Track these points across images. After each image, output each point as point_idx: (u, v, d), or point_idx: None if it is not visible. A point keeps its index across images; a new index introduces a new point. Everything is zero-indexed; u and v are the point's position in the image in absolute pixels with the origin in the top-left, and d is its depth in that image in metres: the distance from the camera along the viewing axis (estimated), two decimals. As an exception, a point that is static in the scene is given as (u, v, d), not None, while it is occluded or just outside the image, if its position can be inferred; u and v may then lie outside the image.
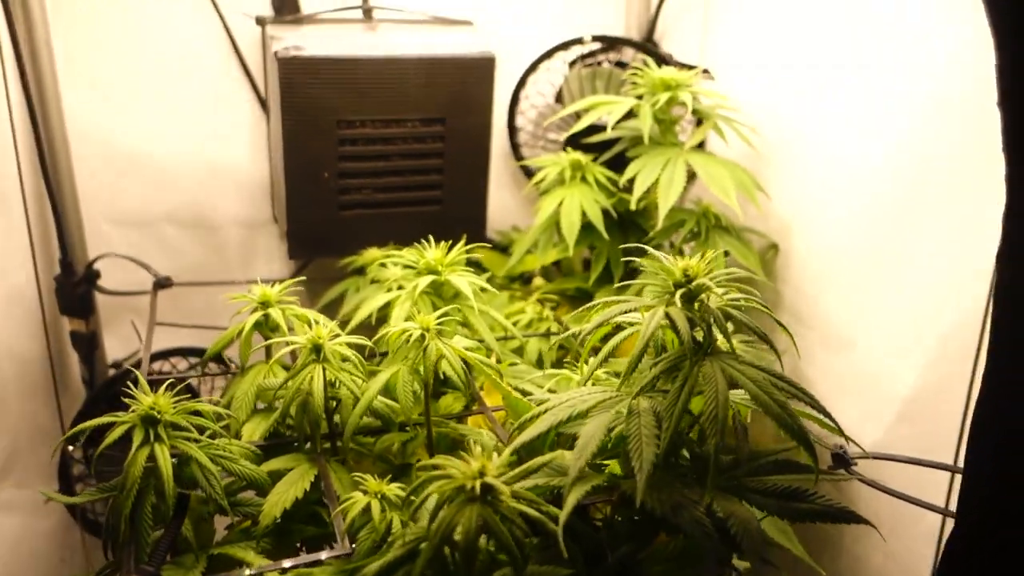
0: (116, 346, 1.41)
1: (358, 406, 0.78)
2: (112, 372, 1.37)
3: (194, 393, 1.32)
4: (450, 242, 0.99)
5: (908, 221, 0.99)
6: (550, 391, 0.86)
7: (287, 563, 0.66)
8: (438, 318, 0.81)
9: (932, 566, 0.99)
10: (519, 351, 1.10)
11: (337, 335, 0.82)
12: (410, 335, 0.81)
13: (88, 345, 1.29)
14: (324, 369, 0.79)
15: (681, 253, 1.18)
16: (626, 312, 0.70)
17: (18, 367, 1.29)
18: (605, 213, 1.17)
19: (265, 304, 0.91)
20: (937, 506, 0.82)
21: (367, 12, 1.29)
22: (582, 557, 0.68)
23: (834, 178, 1.10)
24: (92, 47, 1.24)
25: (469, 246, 1.00)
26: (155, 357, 1.35)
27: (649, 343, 0.67)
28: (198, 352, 1.34)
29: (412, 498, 0.61)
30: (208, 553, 0.73)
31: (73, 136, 1.26)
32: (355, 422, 0.78)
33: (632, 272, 1.21)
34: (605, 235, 1.14)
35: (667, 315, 0.66)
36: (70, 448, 1.24)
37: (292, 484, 0.76)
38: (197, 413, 0.76)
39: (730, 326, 0.85)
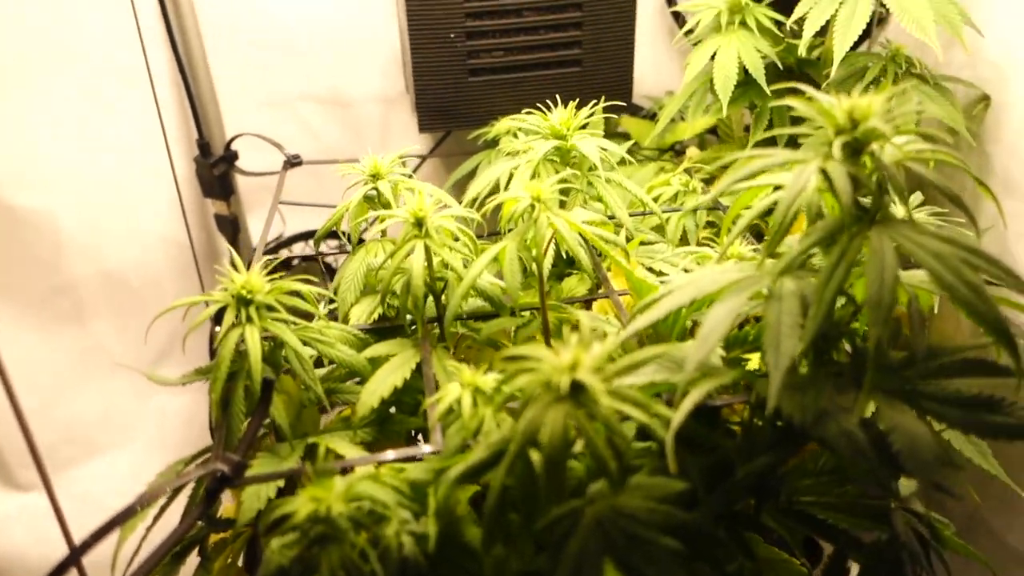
0: (259, 229, 1.41)
1: (461, 286, 0.69)
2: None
3: (332, 273, 1.30)
4: (577, 104, 0.86)
5: None
6: (685, 271, 0.73)
7: (377, 457, 0.60)
8: (553, 185, 0.70)
9: None
10: (661, 229, 0.97)
11: (444, 207, 0.74)
12: (521, 206, 0.70)
13: (232, 227, 1.29)
14: (426, 245, 0.71)
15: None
16: (769, 169, 0.56)
17: (172, 250, 1.32)
18: (770, 64, 0.99)
19: (375, 177, 0.84)
20: None
21: None
22: (704, 470, 0.57)
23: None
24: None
25: (604, 104, 0.88)
26: (295, 239, 1.34)
27: (797, 209, 0.53)
28: (336, 234, 1.31)
29: (498, 392, 0.52)
30: (305, 442, 0.69)
31: (204, 15, 1.22)
32: (457, 304, 0.70)
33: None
34: (767, 91, 0.96)
35: (823, 171, 0.51)
36: (217, 328, 1.26)
37: (392, 371, 0.70)
38: (296, 294, 0.71)
39: (915, 192, 0.69)
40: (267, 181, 1.36)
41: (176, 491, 0.64)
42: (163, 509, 0.67)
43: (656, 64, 1.34)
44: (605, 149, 0.83)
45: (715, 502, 0.57)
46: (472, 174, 1.16)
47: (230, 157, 1.26)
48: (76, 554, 0.53)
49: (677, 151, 1.23)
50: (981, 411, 0.54)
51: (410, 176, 0.85)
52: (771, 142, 1.03)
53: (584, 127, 0.87)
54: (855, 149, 0.52)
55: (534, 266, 0.74)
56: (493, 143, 1.16)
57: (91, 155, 1.18)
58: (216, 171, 1.22)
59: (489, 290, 0.74)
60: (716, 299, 0.55)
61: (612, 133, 1.29)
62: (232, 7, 1.24)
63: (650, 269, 0.85)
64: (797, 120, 1.05)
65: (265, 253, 1.30)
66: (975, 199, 1.04)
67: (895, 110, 0.52)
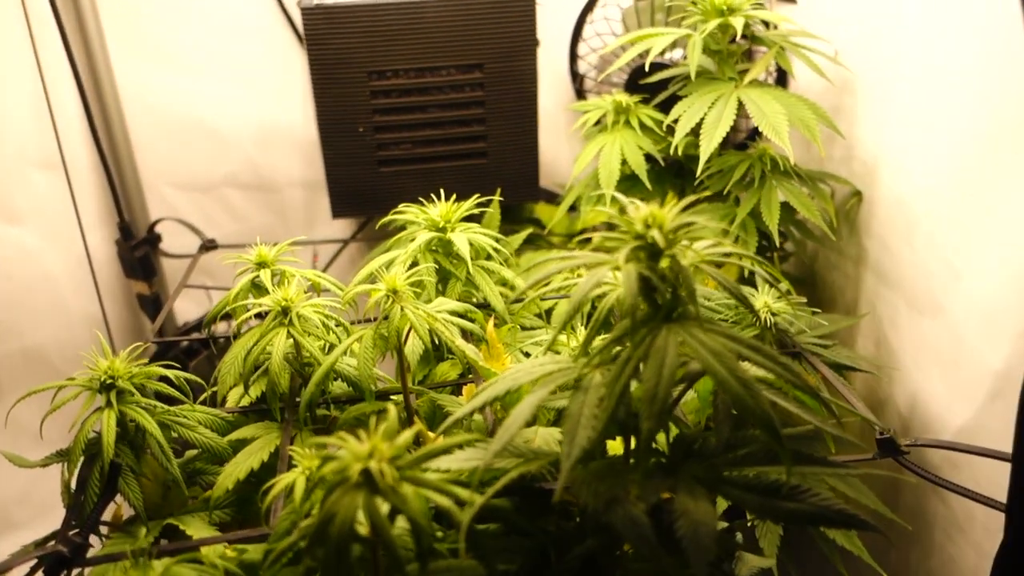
0: (190, 308, 1.44)
1: (319, 371, 0.73)
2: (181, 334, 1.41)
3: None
4: (479, 198, 0.91)
5: (1012, 166, 0.81)
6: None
7: (223, 538, 0.62)
8: (411, 277, 0.74)
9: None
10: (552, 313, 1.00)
11: (311, 296, 0.77)
12: (380, 298, 0.74)
13: (153, 307, 1.32)
14: (289, 332, 0.74)
15: (737, 202, 1.05)
16: (571, 270, 0.60)
17: (92, 327, 1.35)
18: (653, 161, 1.05)
19: (261, 264, 0.88)
20: (1000, 502, 0.66)
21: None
22: (529, 553, 0.60)
23: (930, 116, 0.92)
24: (137, 11, 1.25)
25: (465, 205, 0.92)
26: (191, 329, 1.37)
27: (579, 308, 0.57)
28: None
29: (312, 476, 0.55)
30: (161, 523, 0.70)
31: (128, 102, 1.28)
32: (312, 388, 0.73)
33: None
34: (648, 184, 1.02)
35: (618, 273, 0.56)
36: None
37: (252, 454, 0.72)
38: (166, 380, 0.74)
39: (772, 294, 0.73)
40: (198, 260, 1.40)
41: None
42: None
43: (572, 154, 1.41)
44: (486, 242, 0.88)
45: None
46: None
47: (152, 240, 1.30)
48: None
49: (587, 237, 1.27)
50: (776, 498, 0.57)
51: (324, 265, 0.89)
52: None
53: (472, 218, 0.92)
54: (652, 252, 0.57)
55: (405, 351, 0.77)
56: (403, 228, 1.20)
57: (14, 234, 1.22)
58: (137, 253, 1.26)
59: (352, 375, 0.77)
60: (526, 391, 0.58)
61: (524, 219, 1.34)
62: (156, 94, 1.30)
63: (527, 353, 0.89)
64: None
65: (183, 334, 1.33)
66: (856, 287, 1.09)
67: (689, 219, 0.57)
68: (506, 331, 0.89)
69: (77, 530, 0.64)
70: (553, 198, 1.38)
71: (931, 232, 0.93)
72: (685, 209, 0.56)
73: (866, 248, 1.05)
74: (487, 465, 0.54)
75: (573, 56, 1.30)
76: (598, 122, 1.12)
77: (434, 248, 0.91)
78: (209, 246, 1.20)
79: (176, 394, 0.73)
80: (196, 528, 0.69)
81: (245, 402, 0.83)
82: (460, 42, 1.13)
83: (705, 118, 0.96)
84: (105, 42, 1.22)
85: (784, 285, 0.91)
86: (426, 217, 0.90)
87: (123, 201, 1.25)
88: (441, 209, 0.91)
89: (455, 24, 1.11)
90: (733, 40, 1.02)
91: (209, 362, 1.29)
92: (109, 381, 0.70)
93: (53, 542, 0.63)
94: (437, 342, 0.88)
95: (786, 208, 0.98)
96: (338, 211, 1.23)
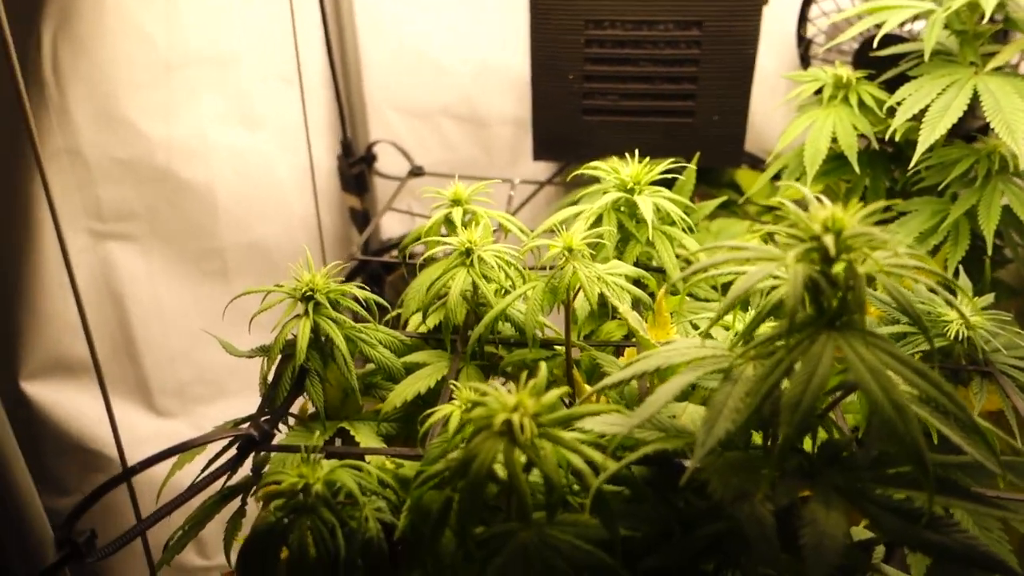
0: (394, 225, 1.55)
1: (490, 313, 0.77)
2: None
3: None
4: (678, 161, 0.91)
5: None
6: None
7: (386, 450, 0.69)
8: (587, 236, 0.77)
9: None
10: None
11: (499, 239, 0.82)
12: (555, 254, 0.77)
13: (363, 221, 1.44)
14: (468, 272, 0.79)
15: (954, 199, 0.97)
16: (740, 261, 0.60)
17: (311, 231, 1.49)
18: (869, 144, 0.98)
19: (456, 202, 0.93)
20: None
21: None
22: (659, 523, 0.62)
23: None
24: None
25: (661, 166, 0.92)
26: (392, 247, 1.46)
27: (740, 300, 0.57)
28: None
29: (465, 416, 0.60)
30: (336, 424, 0.79)
31: (363, 27, 1.37)
32: (481, 328, 0.78)
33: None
34: (856, 167, 0.96)
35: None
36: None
37: (420, 379, 0.79)
38: (357, 300, 0.82)
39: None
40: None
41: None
42: (218, 455, 0.80)
43: (786, 118, 1.35)
44: (670, 207, 0.88)
45: (665, 556, 0.62)
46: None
47: (369, 159, 1.40)
48: (128, 474, 0.66)
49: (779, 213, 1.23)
50: (920, 526, 0.55)
51: (511, 211, 0.93)
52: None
53: (665, 181, 0.92)
54: (826, 256, 0.55)
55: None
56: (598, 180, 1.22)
57: (251, 142, 1.36)
58: (354, 170, 1.37)
59: (520, 321, 0.82)
60: (677, 371, 0.60)
61: (724, 183, 1.31)
62: (388, 22, 1.38)
63: (694, 325, 0.89)
64: (892, 193, 1.04)
65: (377, 253, 1.44)
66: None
67: (869, 229, 0.55)
68: (676, 301, 0.89)
69: (267, 418, 0.73)
70: (757, 164, 1.34)
71: None
72: (885, 211, 0.54)
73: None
74: (626, 434, 0.56)
75: (802, 18, 1.24)
76: (817, 92, 1.06)
77: (619, 208, 0.92)
78: (416, 172, 1.28)
79: (364, 313, 0.81)
80: (365, 436, 0.77)
81: (423, 329, 0.89)
82: (681, -2, 1.11)
83: (932, 104, 0.89)
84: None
85: (988, 296, 0.85)
86: (616, 176, 0.91)
87: (348, 120, 1.35)
88: (632, 169, 0.91)
89: (679, -23, 1.09)
90: (982, 19, 0.92)
91: (404, 280, 1.39)
92: (309, 293, 0.78)
93: (247, 425, 0.73)
94: (605, 302, 0.91)
95: (1007, 212, 0.90)
96: (539, 154, 1.27)
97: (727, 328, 0.88)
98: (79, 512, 0.64)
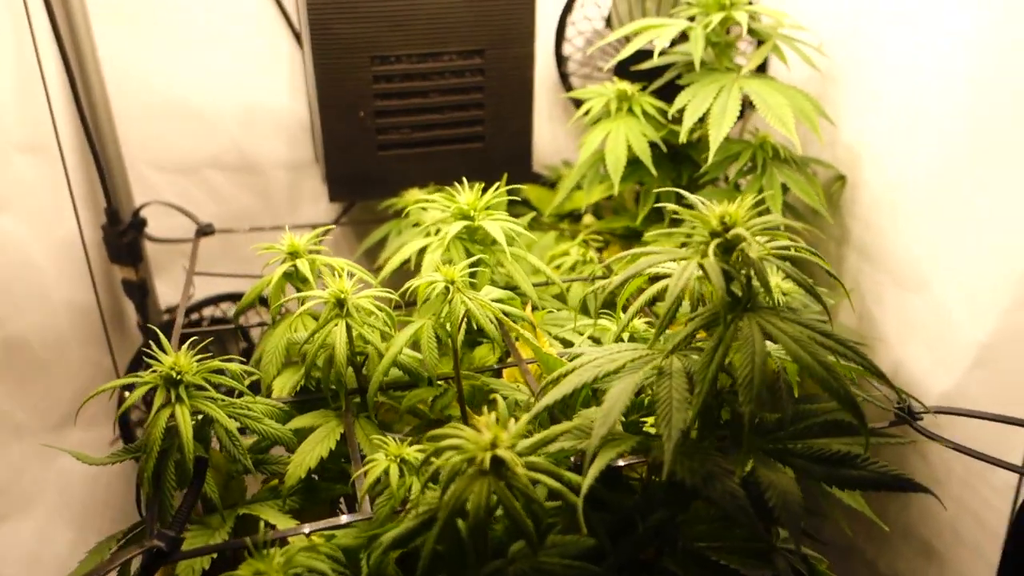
0: (169, 292, 1.42)
1: (382, 362, 0.75)
2: (166, 317, 1.39)
3: (248, 340, 1.32)
4: (483, 184, 0.93)
5: (989, 152, 0.89)
6: (592, 339, 0.81)
7: (308, 527, 0.64)
8: (464, 268, 0.77)
9: (1008, 520, 0.93)
10: (563, 297, 1.05)
11: (364, 287, 0.79)
12: (435, 288, 0.77)
13: (140, 292, 1.30)
14: (348, 324, 0.76)
15: (737, 188, 1.11)
16: (657, 264, 0.65)
17: (76, 316, 1.32)
18: (654, 147, 1.09)
19: (294, 255, 0.89)
20: (1014, 465, 0.75)
21: (400, -61, 1.22)
22: (610, 525, 0.64)
23: (910, 104, 1.00)
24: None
25: (509, 187, 0.95)
26: (205, 303, 1.36)
27: (680, 298, 0.62)
28: (237, 297, 1.34)
29: (425, 466, 0.58)
30: (235, 513, 0.72)
31: (110, 81, 1.24)
32: (378, 378, 0.75)
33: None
34: (653, 171, 1.07)
35: (701, 267, 0.60)
36: (126, 394, 1.26)
37: (318, 443, 0.74)
38: (222, 372, 0.75)
39: (780, 276, 0.79)
40: (175, 246, 1.38)
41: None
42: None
43: (554, 136, 1.44)
44: (512, 228, 0.91)
45: (621, 553, 0.64)
46: (381, 242, 1.22)
47: (138, 224, 1.27)
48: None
49: (575, 217, 1.32)
50: (841, 466, 0.63)
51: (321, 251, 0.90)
52: (658, 214, 1.14)
53: (489, 206, 0.95)
54: (727, 248, 0.62)
55: (447, 339, 0.80)
56: (400, 213, 1.22)
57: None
58: (125, 238, 1.23)
59: (408, 363, 0.80)
60: (614, 376, 0.63)
61: (514, 201, 1.37)
62: (139, 74, 1.26)
63: (557, 338, 0.93)
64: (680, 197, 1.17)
65: (168, 322, 1.32)
66: (838, 265, 1.17)
67: (752, 209, 0.62)
68: (542, 316, 0.93)
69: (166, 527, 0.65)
70: (536, 179, 1.42)
71: (914, 214, 1.01)
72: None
73: (849, 228, 1.13)
74: (595, 450, 0.58)
75: (559, 39, 1.33)
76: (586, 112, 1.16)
77: (461, 236, 0.94)
78: (206, 231, 1.18)
79: (241, 387, 0.75)
80: (273, 516, 0.71)
81: (285, 392, 0.84)
82: (463, 28, 1.14)
83: (711, 108, 1.01)
84: (88, 17, 1.18)
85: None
86: (455, 205, 0.92)
87: (110, 185, 1.22)
88: (468, 197, 0.93)
89: (459, 10, 1.13)
90: (728, 31, 1.07)
91: (220, 347, 1.29)
92: (178, 377, 0.70)
93: (132, 538, 0.64)
94: (475, 326, 0.92)
95: (785, 192, 1.05)
96: (336, 194, 1.24)
97: (580, 333, 0.93)
98: None
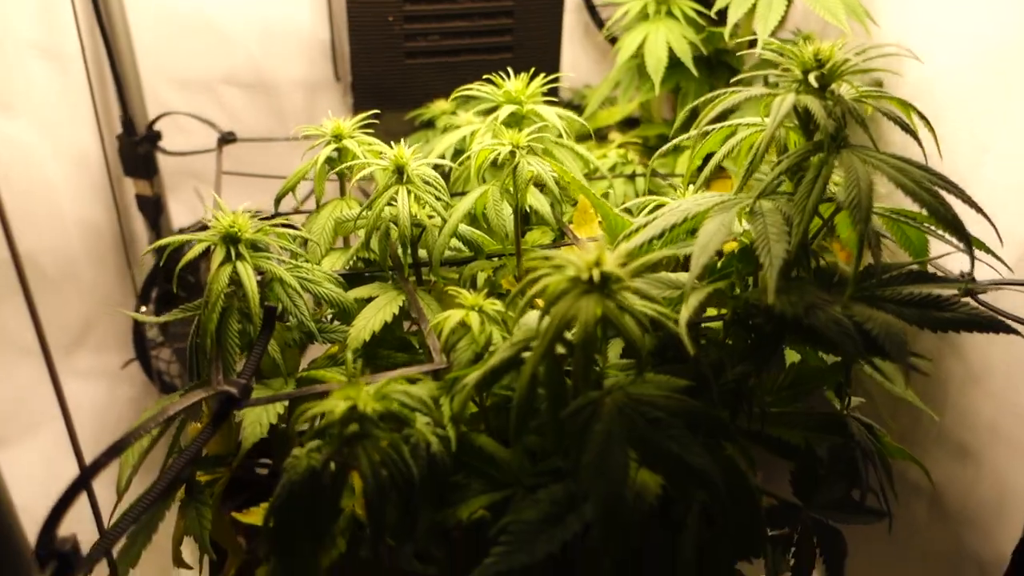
0: (180, 212, 1.38)
1: (446, 228, 0.73)
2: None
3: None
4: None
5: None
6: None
7: (379, 376, 0.62)
8: (529, 134, 0.75)
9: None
10: (607, 196, 1.03)
11: (419, 158, 0.77)
12: (498, 154, 0.74)
13: (154, 208, 1.26)
14: (408, 191, 0.74)
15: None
16: (743, 105, 0.63)
17: (86, 233, 1.27)
18: (693, 50, 1.08)
19: (338, 137, 0.85)
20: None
21: None
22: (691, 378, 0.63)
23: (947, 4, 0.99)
24: None
25: (548, 78, 0.93)
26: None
27: (774, 136, 0.60)
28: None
29: (518, 296, 0.55)
30: (295, 377, 0.69)
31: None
32: (444, 244, 0.73)
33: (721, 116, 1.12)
34: (695, 71, 1.05)
35: (796, 104, 0.59)
36: (142, 309, 1.22)
37: (380, 308, 0.72)
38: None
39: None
40: (185, 163, 1.33)
41: (167, 423, 0.63)
42: (152, 443, 0.66)
43: (573, 58, 1.42)
44: (561, 113, 0.89)
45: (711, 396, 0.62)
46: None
47: (153, 137, 1.23)
48: (85, 476, 0.52)
49: (600, 136, 1.30)
50: (932, 309, 0.62)
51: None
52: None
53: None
54: (822, 85, 0.60)
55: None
56: (428, 124, 1.19)
57: (4, 132, 1.13)
58: (140, 149, 1.19)
59: (467, 234, 0.78)
60: (704, 218, 0.61)
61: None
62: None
63: (627, 210, 0.91)
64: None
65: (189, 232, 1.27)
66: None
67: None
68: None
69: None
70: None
71: (956, 109, 1.00)
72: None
73: (887, 126, 1.13)
74: (692, 283, 0.56)
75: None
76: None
77: (509, 124, 0.91)
78: (228, 139, 1.14)
79: (297, 249, 0.72)
80: (336, 380, 0.68)
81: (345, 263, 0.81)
82: (496, -71, 1.12)
83: (758, 3, 0.99)
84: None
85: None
86: (504, 92, 0.90)
87: (126, 93, 1.18)
88: (516, 85, 0.91)
89: (492, -92, 1.10)
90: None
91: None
92: (236, 234, 0.67)
93: (209, 386, 0.61)
94: (527, 210, 0.89)
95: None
96: (361, 105, 1.20)
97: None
98: (55, 520, 0.49)
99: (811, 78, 0.59)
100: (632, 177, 1.04)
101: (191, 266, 1.23)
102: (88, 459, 0.66)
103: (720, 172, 1.09)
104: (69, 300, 1.27)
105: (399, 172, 0.75)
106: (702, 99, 0.68)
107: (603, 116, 1.28)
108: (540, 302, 0.54)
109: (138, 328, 1.24)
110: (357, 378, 0.54)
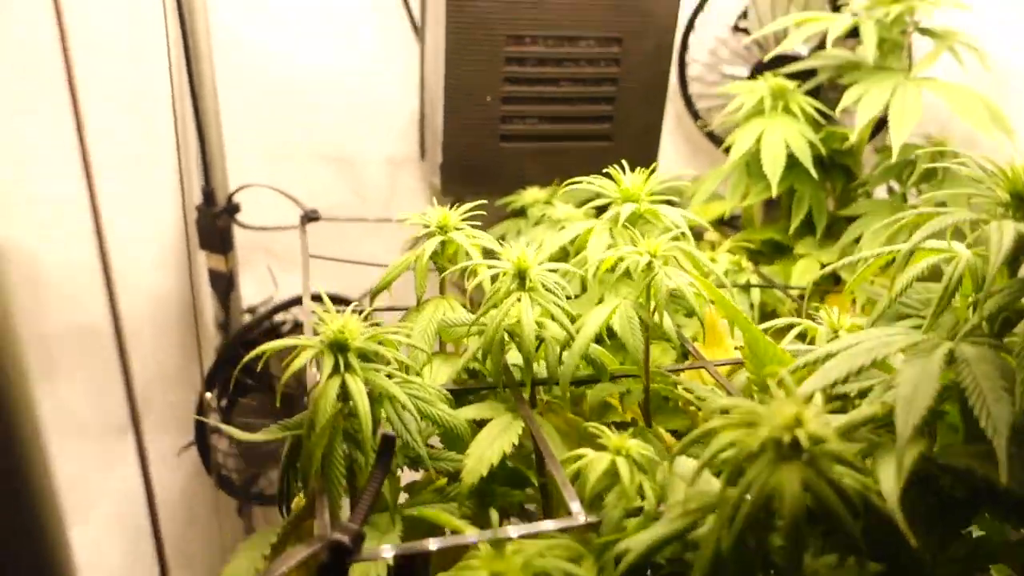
0: (250, 290, 1.32)
1: (576, 347, 0.65)
2: (247, 317, 1.28)
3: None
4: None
5: None
6: (798, 340, 0.71)
7: (512, 530, 0.53)
8: (666, 243, 0.68)
9: None
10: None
11: (542, 262, 0.69)
12: (633, 264, 0.67)
13: (226, 284, 1.20)
14: (532, 299, 0.66)
15: (905, 200, 1.02)
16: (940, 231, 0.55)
17: (154, 305, 1.22)
18: (812, 150, 1.01)
19: (443, 228, 0.79)
20: None
21: (537, -79, 1.15)
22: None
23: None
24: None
25: (666, 176, 0.86)
26: (291, 303, 1.25)
27: (962, 276, 0.52)
28: (337, 300, 1.23)
29: (695, 452, 0.47)
30: (401, 514, 0.61)
31: (219, 59, 1.16)
32: (573, 366, 0.65)
33: (835, 223, 1.05)
34: (814, 173, 0.98)
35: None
36: (207, 396, 1.15)
37: (496, 436, 0.63)
38: (382, 344, 0.64)
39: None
40: (259, 238, 1.28)
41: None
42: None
43: (664, 148, 1.36)
44: (685, 215, 0.81)
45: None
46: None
47: (232, 209, 1.18)
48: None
49: (696, 234, 1.23)
50: None
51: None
52: (809, 226, 1.04)
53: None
54: (1026, 215, 0.52)
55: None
56: (519, 212, 1.13)
57: (77, 193, 1.08)
58: (218, 222, 1.14)
59: (592, 353, 0.70)
60: (892, 361, 0.53)
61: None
62: (250, 45, 1.18)
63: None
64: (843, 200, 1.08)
65: (261, 318, 1.21)
66: None
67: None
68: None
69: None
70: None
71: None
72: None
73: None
74: (906, 443, 0.47)
75: (685, 41, 1.26)
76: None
77: (624, 224, 0.84)
78: (311, 217, 1.09)
79: (411, 363, 0.64)
80: (447, 521, 0.60)
81: (438, 381, 0.73)
82: (604, 12, 1.07)
83: (891, 106, 0.92)
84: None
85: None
86: (621, 187, 0.83)
87: (210, 162, 1.13)
88: (633, 181, 0.84)
89: (601, -8, 1.05)
90: (903, 32, 0.99)
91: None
92: (345, 342, 0.60)
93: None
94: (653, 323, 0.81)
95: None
96: (449, 188, 1.15)
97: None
98: None
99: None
100: (747, 288, 0.96)
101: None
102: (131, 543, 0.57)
103: (835, 284, 1.01)
104: (132, 373, 1.21)
105: (521, 278, 0.67)
106: (882, 223, 0.60)
107: (698, 212, 1.21)
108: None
109: (201, 412, 1.17)
110: (500, 541, 0.46)
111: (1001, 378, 0.50)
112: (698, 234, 1.23)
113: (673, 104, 1.35)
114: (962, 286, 0.57)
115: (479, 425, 0.66)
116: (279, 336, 1.23)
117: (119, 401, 1.19)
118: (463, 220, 0.80)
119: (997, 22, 1.05)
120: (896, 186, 1.03)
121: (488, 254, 0.79)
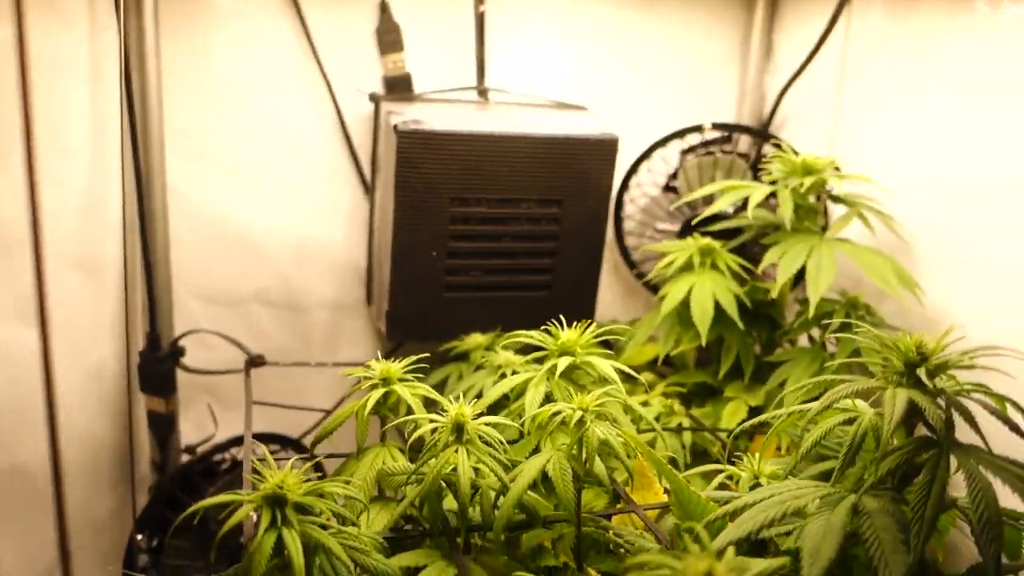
0: (189, 429, 1.31)
1: (510, 496, 0.67)
2: (185, 457, 1.27)
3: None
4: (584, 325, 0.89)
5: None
6: (723, 487, 0.74)
7: None
8: (598, 398, 0.72)
9: None
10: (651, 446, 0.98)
11: (480, 414, 0.73)
12: (565, 417, 0.71)
13: (166, 426, 1.20)
14: (468, 451, 0.69)
15: (824, 348, 1.09)
16: (843, 397, 0.60)
17: (88, 447, 1.21)
18: (737, 302, 1.08)
19: (386, 381, 0.82)
20: None
21: (482, 93, 1.26)
22: None
23: (991, 276, 1.00)
24: (199, 120, 1.21)
25: (601, 329, 0.91)
26: (231, 444, 1.25)
27: (866, 433, 0.57)
28: (279, 439, 1.24)
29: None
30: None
31: (172, 211, 1.20)
32: (507, 514, 0.67)
33: (760, 368, 1.11)
34: (741, 324, 1.04)
35: (909, 399, 0.56)
36: (138, 537, 1.12)
37: (430, 586, 0.64)
38: (321, 496, 0.66)
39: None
40: (202, 380, 1.29)
41: None
42: None
43: (600, 294, 1.42)
44: (617, 367, 0.86)
45: None
46: (439, 386, 1.15)
47: (176, 353, 1.19)
48: None
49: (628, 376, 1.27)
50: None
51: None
52: (737, 371, 1.10)
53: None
54: (918, 380, 0.58)
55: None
56: (461, 356, 1.17)
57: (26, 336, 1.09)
58: (162, 367, 1.15)
59: (526, 499, 0.72)
60: (803, 514, 0.56)
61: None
62: (200, 200, 1.23)
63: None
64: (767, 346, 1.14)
65: (199, 458, 1.21)
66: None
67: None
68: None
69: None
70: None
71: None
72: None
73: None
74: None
75: (620, 199, 1.35)
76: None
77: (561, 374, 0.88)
78: (257, 362, 1.11)
79: (346, 512, 0.66)
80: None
81: (376, 527, 0.75)
82: (545, 178, 1.15)
83: (807, 266, 1.00)
84: (164, 142, 1.17)
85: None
86: (559, 340, 0.88)
87: (156, 310, 1.15)
88: (569, 334, 0.89)
89: (542, 159, 1.14)
90: (818, 198, 1.09)
91: (231, 486, 1.17)
92: (283, 496, 0.62)
93: None
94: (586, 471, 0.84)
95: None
96: (394, 334, 1.18)
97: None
98: None
99: (920, 373, 0.56)
100: (679, 431, 1.00)
101: (195, 490, 1.16)
102: None
103: (760, 427, 1.06)
104: (57, 519, 1.18)
105: (459, 430, 0.70)
106: (801, 385, 0.65)
107: (633, 355, 1.26)
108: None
109: (130, 555, 1.14)
110: None
111: (899, 530, 0.54)
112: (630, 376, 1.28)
113: (611, 252, 1.43)
114: (866, 441, 0.62)
115: (414, 572, 0.68)
116: (217, 475, 1.22)
117: (48, 545, 1.16)
118: (406, 371, 0.84)
119: (902, 186, 1.16)
120: (816, 334, 1.10)
121: (429, 403, 0.82)
